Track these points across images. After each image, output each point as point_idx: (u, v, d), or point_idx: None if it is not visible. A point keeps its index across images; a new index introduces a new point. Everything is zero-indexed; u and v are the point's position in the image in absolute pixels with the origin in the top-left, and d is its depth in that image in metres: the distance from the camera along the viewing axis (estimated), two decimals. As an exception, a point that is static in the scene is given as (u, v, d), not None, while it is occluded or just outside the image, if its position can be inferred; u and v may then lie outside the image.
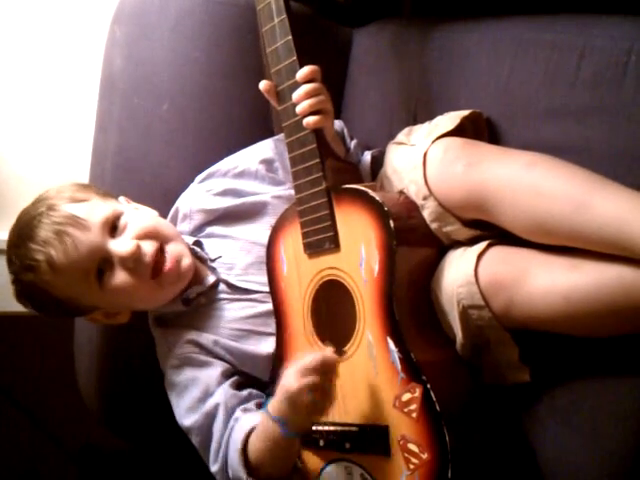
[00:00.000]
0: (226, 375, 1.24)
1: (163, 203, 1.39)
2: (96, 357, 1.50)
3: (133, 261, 1.21)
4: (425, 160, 1.10)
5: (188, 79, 1.45)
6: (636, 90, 1.11)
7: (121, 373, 1.49)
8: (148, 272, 1.23)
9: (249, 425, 1.16)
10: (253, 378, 1.26)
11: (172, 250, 1.25)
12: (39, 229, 1.20)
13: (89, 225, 1.21)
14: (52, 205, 1.22)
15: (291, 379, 1.05)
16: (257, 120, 1.40)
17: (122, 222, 1.24)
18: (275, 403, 1.09)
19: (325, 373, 1.05)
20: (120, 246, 1.22)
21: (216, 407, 1.20)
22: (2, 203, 1.65)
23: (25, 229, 1.22)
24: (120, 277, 1.22)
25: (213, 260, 1.32)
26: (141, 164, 1.46)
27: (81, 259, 1.20)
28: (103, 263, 1.22)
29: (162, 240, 1.25)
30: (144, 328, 1.35)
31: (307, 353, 1.09)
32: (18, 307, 1.29)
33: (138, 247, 1.22)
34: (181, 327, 1.30)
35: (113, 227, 1.23)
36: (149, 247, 1.23)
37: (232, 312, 1.28)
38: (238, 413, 1.19)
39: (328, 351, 1.09)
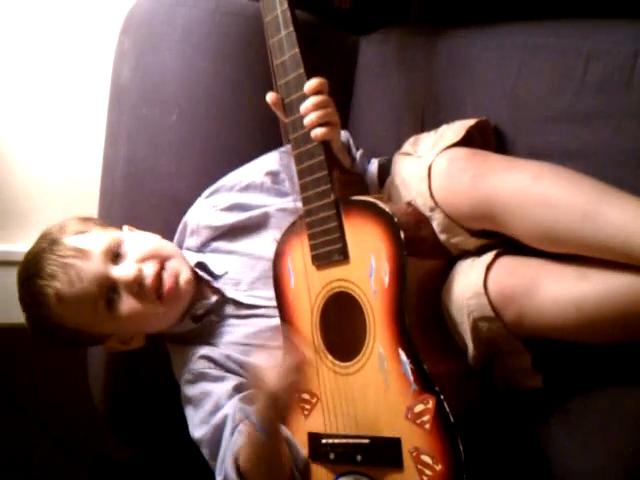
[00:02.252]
0: (238, 389, 1.24)
1: (172, 213, 1.41)
2: (108, 369, 1.51)
3: (137, 285, 1.23)
4: (430, 172, 1.10)
5: (196, 89, 1.45)
6: (642, 94, 1.12)
7: (132, 384, 1.50)
8: (152, 294, 1.24)
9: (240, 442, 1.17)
10: None
11: (170, 267, 1.27)
12: (44, 264, 1.23)
13: (91, 255, 1.24)
14: (55, 240, 1.26)
15: (272, 380, 1.08)
16: (265, 129, 1.39)
17: (124, 249, 1.26)
18: (260, 407, 1.11)
19: (298, 372, 1.09)
20: (122, 271, 1.24)
21: (224, 419, 1.21)
22: (12, 216, 1.65)
23: (31, 266, 1.25)
24: (128, 302, 1.24)
25: (219, 277, 1.32)
26: (150, 174, 1.47)
27: (86, 289, 1.22)
28: (110, 291, 1.24)
29: (163, 259, 1.27)
30: (156, 342, 1.35)
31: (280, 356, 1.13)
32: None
33: (140, 270, 1.24)
34: (195, 344, 1.30)
35: (115, 255, 1.26)
36: (150, 269, 1.25)
37: (242, 328, 1.29)
38: (242, 426, 1.19)
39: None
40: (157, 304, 1.25)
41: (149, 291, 1.24)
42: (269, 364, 1.11)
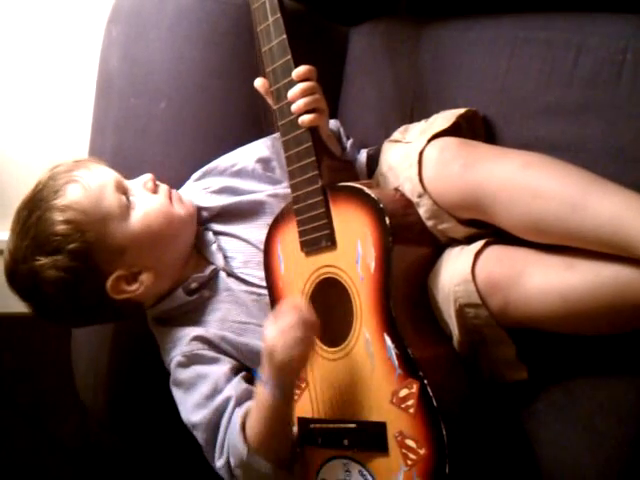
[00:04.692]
0: (235, 371, 1.22)
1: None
2: (95, 362, 1.50)
3: (153, 182, 1.28)
4: (421, 159, 1.10)
5: (185, 78, 1.45)
6: (632, 88, 1.12)
7: (121, 375, 1.48)
8: (168, 194, 1.28)
9: (247, 406, 1.16)
10: None
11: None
12: (56, 174, 1.24)
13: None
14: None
15: (273, 338, 1.06)
16: (253, 119, 1.39)
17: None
18: (264, 366, 1.09)
19: (305, 324, 1.06)
20: (136, 179, 1.29)
21: (227, 401, 1.18)
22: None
23: (39, 188, 1.24)
24: (146, 198, 1.26)
25: (219, 248, 1.31)
26: (138, 164, 1.44)
27: (105, 181, 1.24)
28: (126, 194, 1.26)
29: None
30: (140, 328, 1.34)
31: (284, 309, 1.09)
32: (18, 307, 1.27)
33: (153, 178, 1.28)
34: (185, 324, 1.27)
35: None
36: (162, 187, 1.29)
37: (235, 306, 1.27)
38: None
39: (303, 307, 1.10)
40: (173, 207, 1.27)
41: (165, 190, 1.28)
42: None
